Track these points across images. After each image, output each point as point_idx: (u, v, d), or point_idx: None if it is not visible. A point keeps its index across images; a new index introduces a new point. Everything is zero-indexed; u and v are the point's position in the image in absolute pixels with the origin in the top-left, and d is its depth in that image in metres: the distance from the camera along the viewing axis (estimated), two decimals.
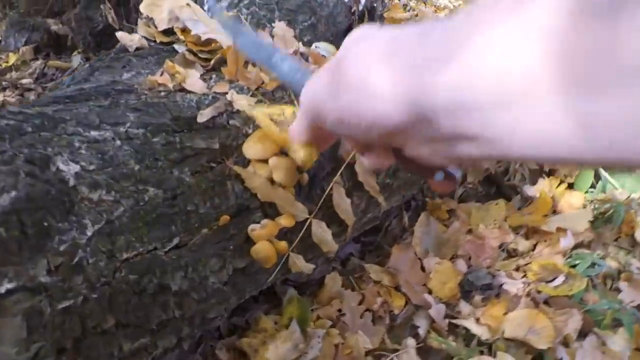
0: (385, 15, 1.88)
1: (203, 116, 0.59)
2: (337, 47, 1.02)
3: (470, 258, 1.08)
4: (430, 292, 0.99)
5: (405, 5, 3.33)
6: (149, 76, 0.64)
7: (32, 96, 2.06)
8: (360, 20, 1.46)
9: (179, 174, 0.55)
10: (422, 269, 1.05)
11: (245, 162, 0.60)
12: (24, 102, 1.96)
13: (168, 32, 0.82)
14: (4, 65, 2.33)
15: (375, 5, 1.53)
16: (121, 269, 0.48)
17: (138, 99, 0.59)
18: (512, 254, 1.10)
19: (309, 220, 0.67)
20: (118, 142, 0.50)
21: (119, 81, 0.62)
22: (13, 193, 0.37)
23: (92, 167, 0.46)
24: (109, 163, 0.48)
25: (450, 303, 0.98)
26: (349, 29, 1.39)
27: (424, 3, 5.23)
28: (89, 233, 0.43)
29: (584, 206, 1.24)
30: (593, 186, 1.38)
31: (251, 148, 0.56)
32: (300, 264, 0.68)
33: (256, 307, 0.90)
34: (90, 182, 0.44)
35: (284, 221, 0.62)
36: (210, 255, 0.58)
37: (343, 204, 0.72)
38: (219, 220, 0.58)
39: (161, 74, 0.65)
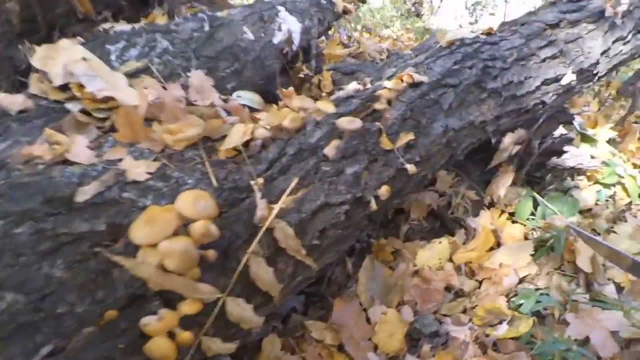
0: (324, 52, 1.89)
1: (83, 194, 0.51)
2: (268, 90, 0.97)
3: (416, 303, 1.04)
4: (375, 348, 0.93)
5: (349, 37, 3.43)
6: (25, 147, 0.55)
7: None
8: (294, 61, 1.44)
9: (48, 269, 0.46)
10: (368, 320, 0.99)
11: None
12: None
13: (64, 87, 0.74)
14: None
15: (310, 43, 1.52)
16: None
17: (7, 177, 0.50)
18: (458, 293, 1.07)
19: (222, 299, 0.59)
20: None
21: None
22: None
23: None
24: None
25: (397, 356, 0.92)
26: (282, 70, 1.36)
27: (369, 33, 5.40)
28: None
29: (525, 237, 1.24)
30: (533, 213, 1.40)
31: (138, 231, 0.49)
32: (217, 347, 0.60)
33: None
34: None
35: (187, 308, 0.54)
36: (96, 358, 0.49)
37: (263, 275, 0.65)
38: (104, 316, 0.49)
39: (40, 142, 0.57)
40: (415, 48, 1.38)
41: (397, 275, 1.11)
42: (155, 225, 0.48)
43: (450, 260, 1.15)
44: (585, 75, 1.09)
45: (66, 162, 0.56)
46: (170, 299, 0.54)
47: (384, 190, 0.78)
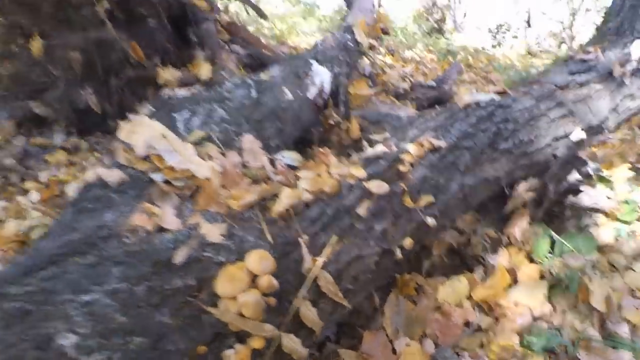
0: (350, 91, 2.04)
1: (179, 257, 0.67)
2: (304, 137, 1.14)
3: (437, 336, 1.16)
4: None
5: (373, 63, 3.57)
6: (129, 218, 0.72)
7: (14, 177, 2.11)
8: (325, 106, 1.60)
9: (160, 317, 0.62)
10: (394, 350, 1.11)
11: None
12: (7, 186, 2.00)
13: (145, 157, 0.92)
14: None
15: (339, 90, 1.68)
16: None
17: (121, 246, 0.67)
18: (476, 329, 1.18)
19: (277, 337, 0.74)
20: (106, 300, 0.58)
21: (103, 226, 0.70)
22: None
23: (86, 332, 0.53)
24: (99, 322, 0.55)
25: None
26: (315, 119, 1.52)
27: (391, 55, 5.53)
28: None
29: (541, 275, 1.34)
30: (551, 250, 1.49)
31: (222, 287, 0.64)
32: None
33: None
34: (86, 349, 0.51)
35: (255, 344, 0.69)
36: None
37: (309, 314, 0.80)
38: (197, 350, 0.65)
39: (139, 212, 0.74)
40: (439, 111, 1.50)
41: (419, 309, 1.23)
42: (234, 283, 0.64)
43: (469, 296, 1.26)
44: (595, 130, 1.20)
45: (161, 229, 0.73)
46: (241, 336, 0.70)
47: (407, 242, 0.91)
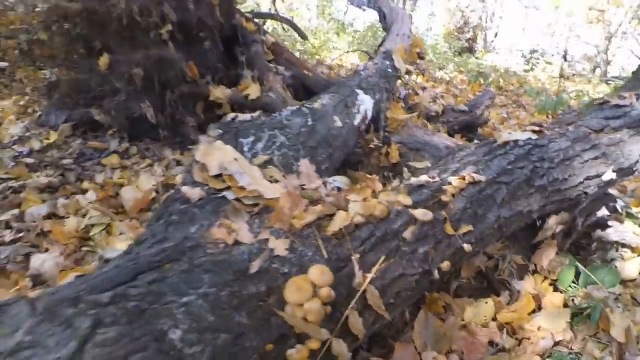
0: (388, 115, 2.16)
1: (254, 267, 0.80)
2: (347, 162, 1.27)
3: (463, 353, 1.24)
4: None
5: (405, 84, 3.68)
6: (210, 230, 0.85)
7: (72, 177, 2.30)
8: (368, 131, 1.72)
9: (239, 318, 0.74)
10: None
11: (284, 299, 0.80)
12: (65, 185, 2.19)
13: (218, 176, 1.06)
14: (45, 142, 2.62)
15: (380, 116, 1.80)
16: None
17: (206, 255, 0.80)
18: (500, 349, 1.26)
19: (329, 341, 0.85)
20: (199, 302, 0.71)
21: (189, 237, 0.84)
22: None
23: (186, 327, 0.66)
24: (195, 320, 0.68)
25: None
26: (357, 141, 1.65)
27: (422, 75, 5.62)
28: None
29: (565, 304, 1.40)
30: (576, 281, 1.55)
31: (290, 295, 0.77)
32: None
33: None
34: (188, 341, 0.64)
35: (313, 345, 0.81)
36: None
37: (356, 323, 0.91)
38: (266, 348, 0.77)
39: (218, 226, 0.87)
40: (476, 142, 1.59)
41: (447, 326, 1.32)
42: (301, 292, 0.76)
43: (495, 318, 1.34)
44: (626, 172, 1.27)
45: (237, 242, 0.86)
46: (301, 338, 0.82)
47: (445, 265, 1.02)
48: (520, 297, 1.40)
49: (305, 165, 1.14)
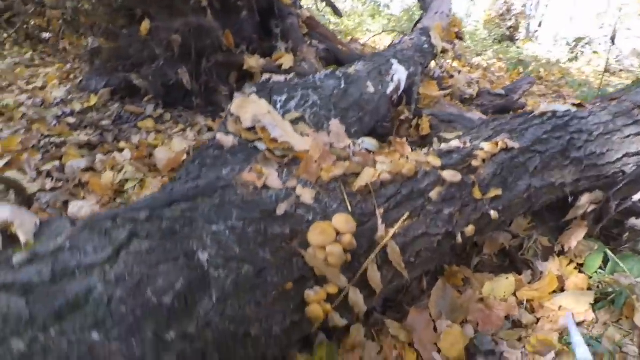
0: (420, 91, 2.13)
1: (280, 209, 0.83)
2: (376, 128, 1.27)
3: (478, 324, 1.24)
4: (439, 351, 1.15)
5: (440, 67, 3.60)
6: (241, 174, 0.89)
7: (110, 137, 2.41)
8: (398, 103, 1.71)
9: (263, 254, 0.78)
10: (435, 329, 1.21)
11: (306, 243, 0.83)
12: (103, 144, 2.30)
13: (250, 128, 1.09)
14: (85, 105, 2.74)
15: (413, 89, 1.78)
16: (226, 322, 0.70)
17: (236, 194, 0.83)
18: (517, 324, 1.25)
19: (347, 288, 0.88)
20: (227, 233, 0.74)
21: (221, 178, 0.88)
22: (181, 281, 0.61)
23: (214, 252, 0.70)
24: (222, 248, 0.72)
25: None
26: (388, 111, 1.64)
27: (459, 60, 5.47)
28: (214, 300, 0.66)
29: (589, 287, 1.37)
30: (602, 268, 1.50)
31: (314, 237, 0.79)
32: (337, 320, 0.88)
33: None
34: (214, 265, 0.68)
35: (331, 289, 0.83)
36: (277, 311, 0.80)
37: (375, 276, 0.93)
38: (286, 286, 0.80)
39: (249, 171, 0.90)
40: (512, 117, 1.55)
41: (464, 298, 1.31)
42: (325, 235, 0.78)
43: (514, 295, 1.32)
44: None
45: (265, 186, 0.89)
46: (319, 281, 0.84)
47: (469, 229, 1.01)
48: (543, 276, 1.38)
49: (335, 124, 1.15)
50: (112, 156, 2.11)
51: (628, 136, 1.13)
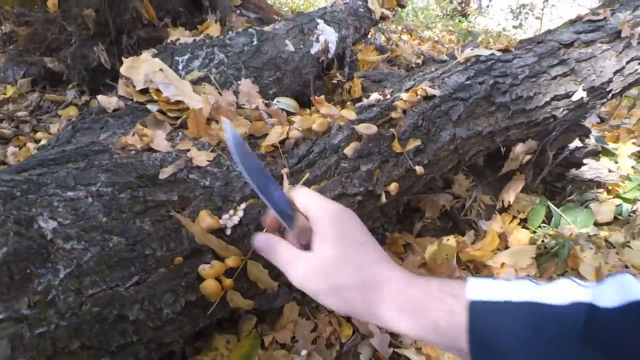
0: (359, 57, 2.03)
1: (164, 173, 0.71)
2: (304, 94, 1.15)
3: None
4: None
5: (388, 39, 3.52)
6: (121, 137, 0.75)
7: (26, 128, 2.19)
8: (329, 67, 1.61)
9: (140, 223, 0.65)
10: None
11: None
12: (18, 136, 2.08)
13: (144, 91, 0.95)
14: (1, 97, 2.48)
15: (345, 52, 1.68)
16: (86, 303, 0.58)
17: (110, 159, 0.70)
18: None
19: (244, 261, 0.76)
20: (89, 200, 0.61)
21: (96, 142, 0.74)
22: (4, 249, 0.48)
23: (67, 222, 0.57)
24: (81, 218, 0.59)
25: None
26: (318, 76, 1.53)
27: (409, 34, 5.42)
28: (61, 275, 0.54)
29: (533, 242, 1.34)
30: (546, 222, 1.49)
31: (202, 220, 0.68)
32: (238, 300, 0.76)
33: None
34: (64, 235, 0.55)
35: (231, 262, 0.72)
36: (165, 290, 0.68)
37: None
38: (174, 261, 0.68)
39: (132, 135, 0.77)
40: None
41: (405, 264, 1.25)
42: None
43: (457, 257, 1.27)
44: (598, 92, 1.17)
45: (150, 149, 0.76)
46: (219, 257, 0.73)
47: (393, 187, 0.93)
48: (485, 235, 1.33)
49: (246, 84, 1.03)
50: (26, 147, 1.90)
51: (555, 77, 1.07)
